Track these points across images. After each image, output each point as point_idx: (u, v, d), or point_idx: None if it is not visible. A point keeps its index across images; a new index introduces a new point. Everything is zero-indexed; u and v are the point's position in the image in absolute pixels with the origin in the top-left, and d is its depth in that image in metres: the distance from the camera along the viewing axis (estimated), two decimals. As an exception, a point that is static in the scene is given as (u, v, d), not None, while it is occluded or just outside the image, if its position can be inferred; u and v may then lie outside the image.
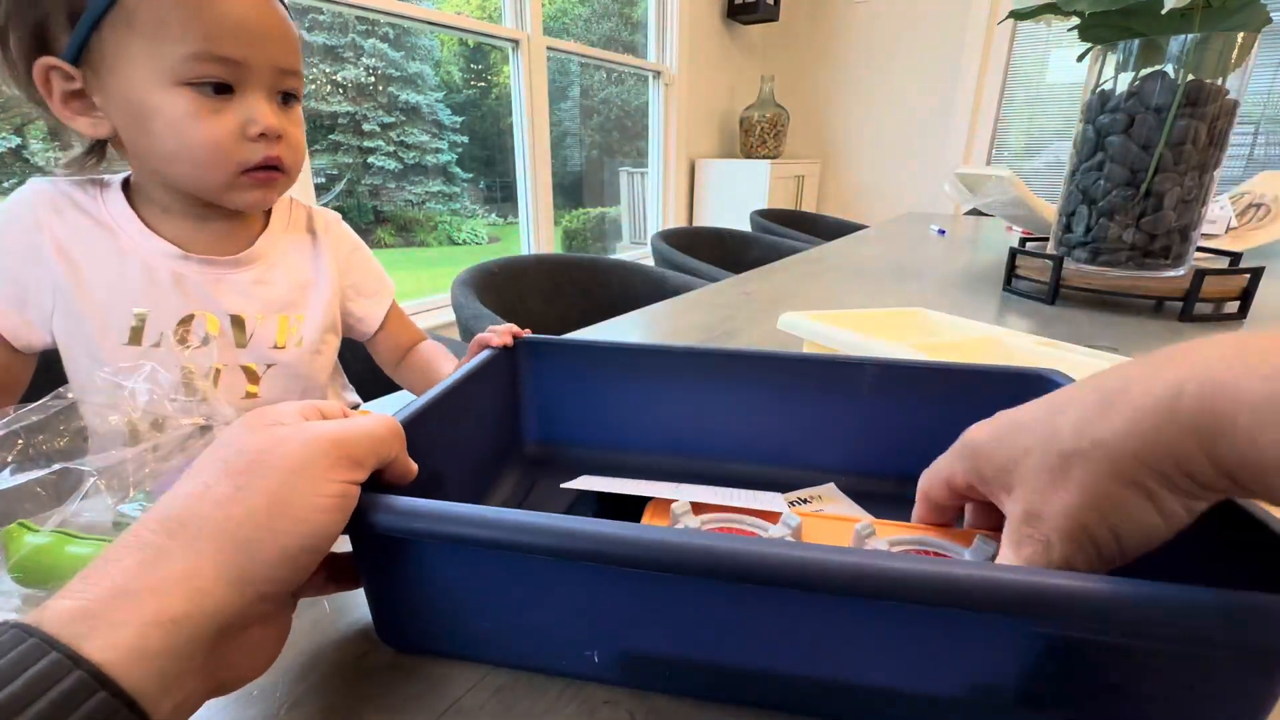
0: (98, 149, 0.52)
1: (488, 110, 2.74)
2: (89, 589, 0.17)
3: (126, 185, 0.53)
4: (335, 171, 2.35)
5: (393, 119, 2.53)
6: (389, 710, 0.25)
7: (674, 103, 2.67)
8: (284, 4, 0.49)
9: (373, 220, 2.73)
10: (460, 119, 2.74)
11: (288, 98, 0.51)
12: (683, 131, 2.74)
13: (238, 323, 0.55)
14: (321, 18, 2.12)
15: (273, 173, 0.51)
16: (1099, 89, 0.80)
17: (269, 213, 0.59)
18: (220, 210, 0.53)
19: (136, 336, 0.51)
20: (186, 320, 0.52)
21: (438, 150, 2.73)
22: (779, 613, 0.22)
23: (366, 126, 2.42)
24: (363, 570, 0.26)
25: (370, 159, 2.48)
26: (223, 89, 0.47)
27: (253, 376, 0.55)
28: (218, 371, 0.53)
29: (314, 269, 0.61)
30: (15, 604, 0.27)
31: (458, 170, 2.82)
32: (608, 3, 2.66)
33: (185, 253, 0.53)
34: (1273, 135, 2.34)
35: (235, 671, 0.21)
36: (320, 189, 1.97)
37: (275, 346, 0.57)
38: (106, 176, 0.53)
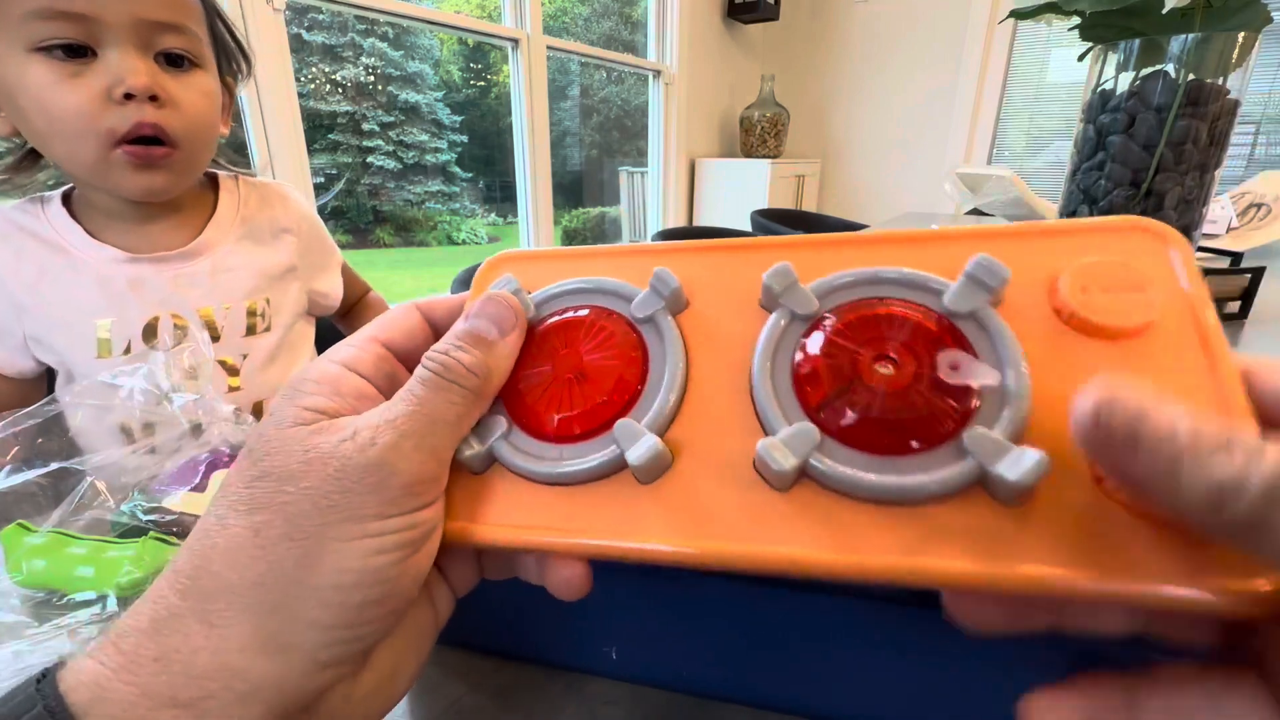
0: (30, 156, 0.49)
1: (487, 110, 2.74)
2: (113, 647, 0.14)
3: (68, 198, 0.51)
4: (334, 171, 2.35)
5: (392, 118, 2.53)
6: (388, 712, 0.24)
7: (674, 102, 2.67)
8: None
9: (372, 220, 2.73)
10: (460, 118, 2.74)
11: (177, 59, 0.46)
12: (683, 131, 2.74)
13: (205, 317, 0.53)
14: (320, 17, 2.11)
15: (153, 148, 0.45)
16: (1100, 88, 0.80)
17: (216, 198, 0.56)
18: (162, 206, 0.51)
19: (106, 348, 0.49)
20: (153, 324, 0.51)
21: (437, 150, 2.73)
22: (799, 611, 0.22)
23: (366, 126, 2.42)
24: None
25: (369, 158, 2.48)
26: (78, 51, 0.42)
27: (230, 370, 0.54)
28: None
29: (274, 249, 0.58)
30: (14, 603, 0.27)
31: (457, 170, 2.82)
32: (608, 2, 2.66)
33: (133, 255, 0.50)
34: (1274, 135, 2.34)
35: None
36: (319, 188, 1.97)
37: (248, 335, 0.55)
38: (47, 193, 0.51)
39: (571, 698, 0.25)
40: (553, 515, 0.17)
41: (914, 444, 0.15)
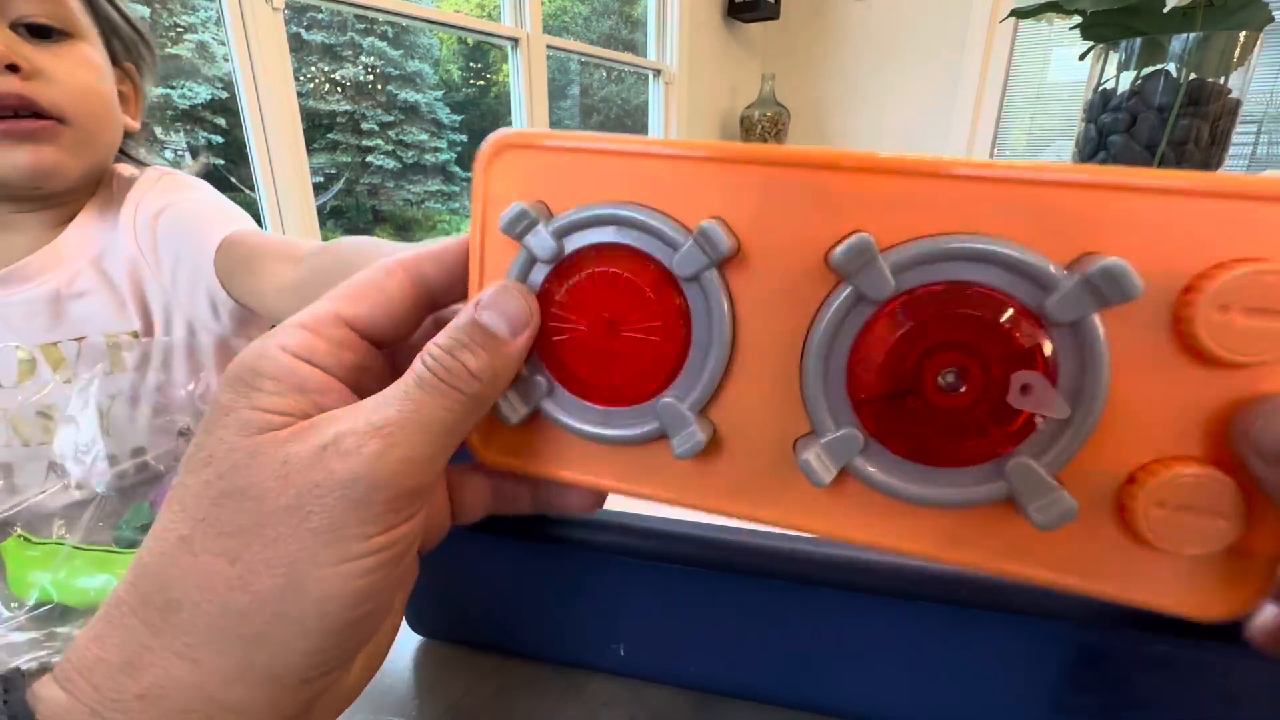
0: None
1: (487, 109, 2.73)
2: (85, 683, 0.14)
3: None
4: (334, 170, 2.35)
5: (391, 118, 2.52)
6: (384, 713, 0.24)
7: (674, 101, 2.67)
8: None
9: (371, 219, 2.73)
10: (460, 118, 2.73)
11: (42, 30, 0.42)
12: (683, 130, 2.73)
13: (48, 351, 0.45)
14: (320, 16, 2.11)
15: (23, 121, 0.40)
16: (1101, 88, 0.80)
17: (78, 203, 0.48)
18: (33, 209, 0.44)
19: None
20: None
21: (437, 149, 2.72)
22: (813, 611, 0.22)
23: (365, 125, 2.42)
24: None
25: (369, 158, 2.48)
26: None
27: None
28: (46, 412, 0.44)
29: (147, 248, 0.49)
30: (11, 610, 0.27)
31: (457, 169, 2.82)
32: (608, 1, 2.65)
33: None
34: (1275, 135, 2.34)
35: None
36: (319, 188, 1.97)
37: (110, 373, 0.46)
38: None
39: (572, 698, 0.25)
40: (601, 465, 0.18)
41: (957, 460, 0.15)
